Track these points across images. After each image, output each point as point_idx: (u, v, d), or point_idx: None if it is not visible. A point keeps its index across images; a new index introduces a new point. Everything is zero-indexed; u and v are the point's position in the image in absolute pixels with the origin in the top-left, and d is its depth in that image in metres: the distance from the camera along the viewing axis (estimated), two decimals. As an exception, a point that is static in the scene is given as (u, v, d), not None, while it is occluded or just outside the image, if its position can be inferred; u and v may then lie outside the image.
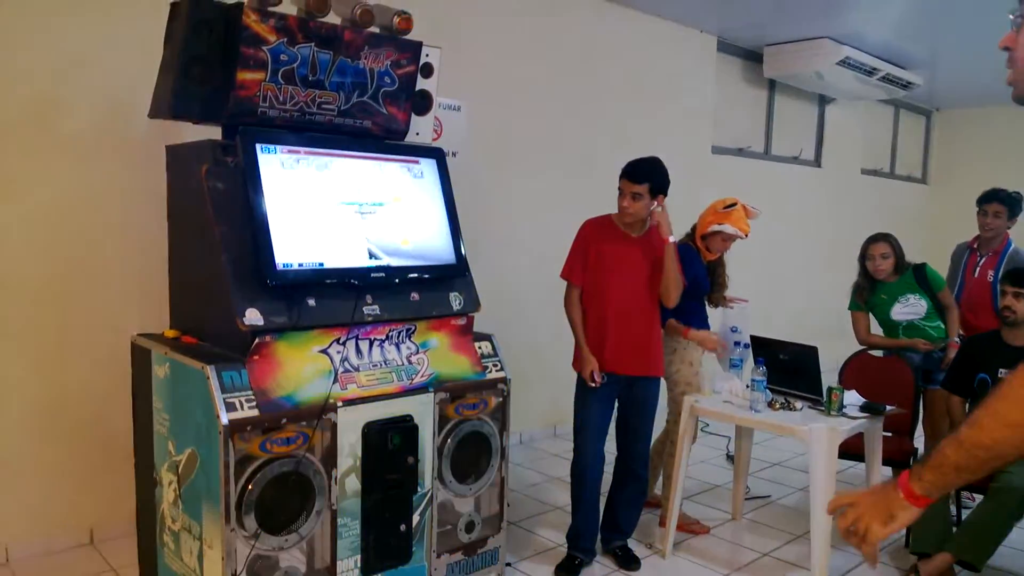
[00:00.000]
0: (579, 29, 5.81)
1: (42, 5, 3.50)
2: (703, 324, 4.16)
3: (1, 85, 3.45)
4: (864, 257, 4.53)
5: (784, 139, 8.15)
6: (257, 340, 2.68)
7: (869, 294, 4.56)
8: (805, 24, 6.54)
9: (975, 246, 4.89)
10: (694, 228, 4.21)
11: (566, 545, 3.79)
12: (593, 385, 3.58)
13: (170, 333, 3.10)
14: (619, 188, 3.56)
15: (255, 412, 2.62)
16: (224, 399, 2.57)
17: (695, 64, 6.87)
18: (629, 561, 3.76)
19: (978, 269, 4.79)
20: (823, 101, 8.54)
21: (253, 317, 2.67)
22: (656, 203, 3.55)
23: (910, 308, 4.43)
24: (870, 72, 7.33)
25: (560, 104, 5.73)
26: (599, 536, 3.83)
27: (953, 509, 3.97)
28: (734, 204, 4.07)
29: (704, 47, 6.93)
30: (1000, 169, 9.43)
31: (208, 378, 2.59)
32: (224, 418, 2.55)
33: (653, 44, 6.40)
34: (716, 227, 4.06)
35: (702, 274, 4.06)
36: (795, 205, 8.22)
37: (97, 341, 3.73)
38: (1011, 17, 1.39)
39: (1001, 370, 3.74)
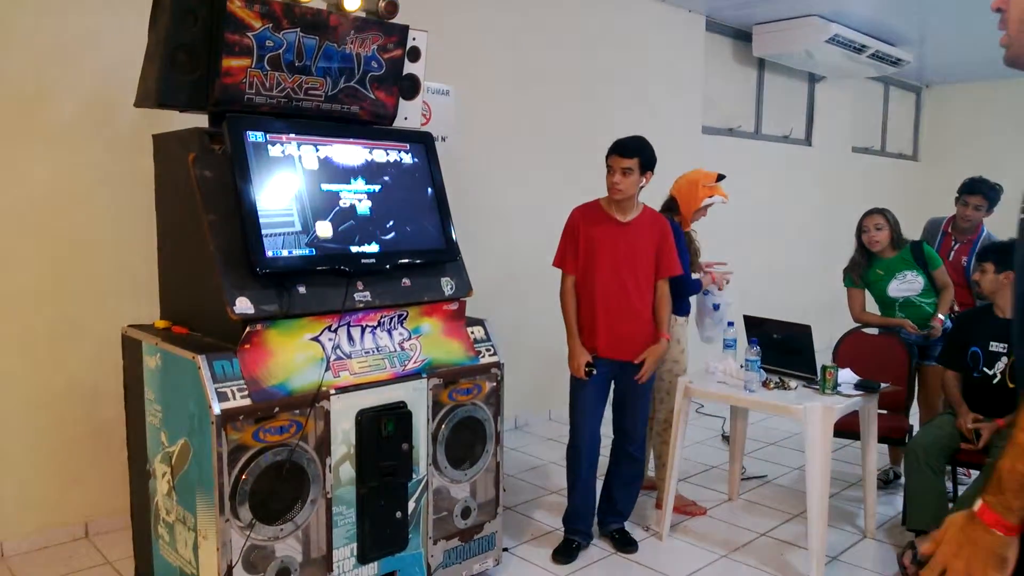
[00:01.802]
0: (567, 10, 5.77)
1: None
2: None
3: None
4: (859, 231, 4.53)
5: (774, 118, 8.13)
6: (248, 329, 2.66)
7: (865, 270, 4.55)
8: (793, 2, 6.51)
9: (948, 230, 4.93)
10: (671, 202, 4.20)
11: (563, 528, 3.79)
12: (590, 375, 3.59)
13: (160, 323, 3.08)
14: (608, 165, 3.55)
15: (247, 401, 2.60)
16: (216, 389, 2.55)
17: (684, 44, 6.84)
18: (626, 544, 3.77)
19: (952, 253, 4.86)
20: (813, 79, 8.51)
21: (243, 306, 2.65)
22: (644, 180, 3.55)
23: (907, 284, 4.42)
24: (859, 49, 7.31)
25: (548, 86, 5.70)
26: (596, 519, 3.84)
27: (949, 485, 3.98)
28: (723, 177, 4.18)
29: (692, 26, 6.90)
30: (990, 144, 9.44)
31: (199, 368, 2.57)
32: (216, 408, 2.53)
33: (641, 24, 6.36)
34: (709, 200, 4.12)
35: (684, 248, 4.07)
36: (786, 184, 8.22)
37: (87, 333, 3.71)
38: None
39: (992, 343, 3.76)
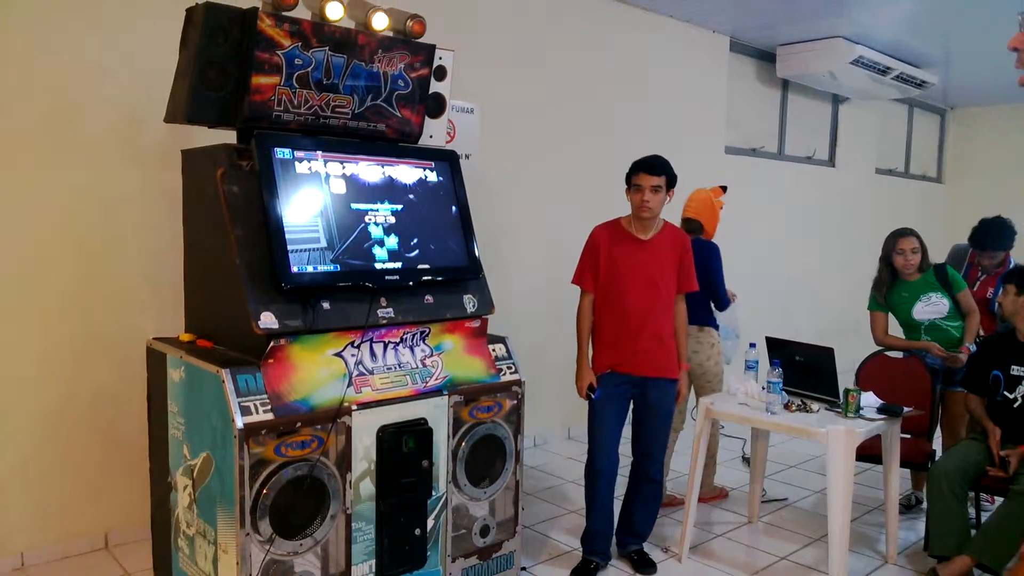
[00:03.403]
0: (592, 30, 5.80)
1: (56, 11, 3.51)
2: (709, 315, 4.35)
3: (17, 92, 3.46)
4: (890, 253, 4.45)
5: (798, 139, 8.11)
6: (272, 343, 2.68)
7: (889, 292, 4.50)
8: (818, 23, 6.51)
9: (975, 261, 4.88)
10: (691, 224, 4.26)
11: (581, 549, 3.77)
12: (589, 397, 3.63)
13: (185, 337, 3.11)
14: (636, 184, 3.54)
15: (270, 416, 2.62)
16: (239, 403, 2.57)
17: (708, 64, 6.85)
18: (645, 565, 3.74)
19: (978, 284, 4.79)
20: (837, 100, 8.49)
21: (268, 320, 2.67)
22: (668, 197, 3.58)
23: (932, 307, 4.36)
24: (883, 71, 7.29)
25: (573, 106, 5.72)
26: (615, 540, 3.82)
27: (972, 512, 3.94)
28: (726, 189, 4.50)
29: (717, 47, 6.91)
30: (1015, 167, 9.37)
31: (223, 382, 2.59)
32: (239, 422, 2.55)
33: (666, 45, 6.38)
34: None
35: (719, 263, 4.17)
36: (809, 205, 8.18)
37: (113, 345, 3.74)
38: (1019, 18, 1.37)
39: (1013, 366, 3.73)
